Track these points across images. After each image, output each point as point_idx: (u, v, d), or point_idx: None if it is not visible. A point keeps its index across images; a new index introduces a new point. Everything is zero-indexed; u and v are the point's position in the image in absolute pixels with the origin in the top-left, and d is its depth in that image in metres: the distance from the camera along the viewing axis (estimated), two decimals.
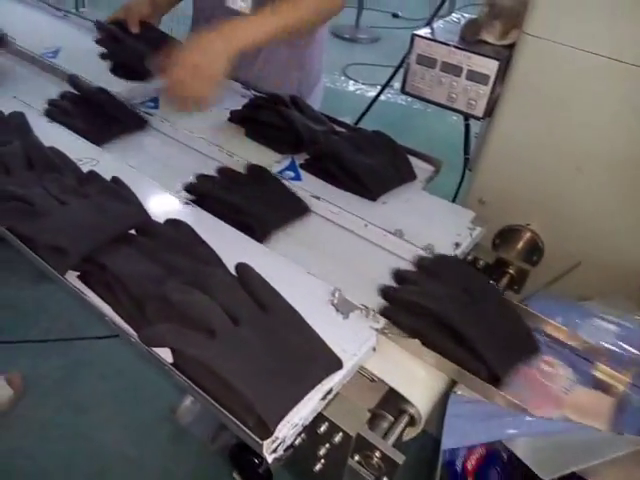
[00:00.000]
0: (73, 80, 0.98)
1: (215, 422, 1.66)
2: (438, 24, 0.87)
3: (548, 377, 0.56)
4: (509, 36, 0.78)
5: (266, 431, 0.45)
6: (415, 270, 0.67)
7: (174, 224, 0.63)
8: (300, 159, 0.85)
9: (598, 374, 0.57)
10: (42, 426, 1.39)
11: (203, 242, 0.62)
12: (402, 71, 0.90)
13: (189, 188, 0.76)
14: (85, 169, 0.72)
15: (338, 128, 0.90)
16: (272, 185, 0.78)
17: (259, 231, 0.69)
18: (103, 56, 1.03)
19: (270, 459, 0.45)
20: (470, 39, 0.80)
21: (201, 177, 0.78)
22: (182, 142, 0.90)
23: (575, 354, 0.59)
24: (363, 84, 3.43)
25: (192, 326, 0.49)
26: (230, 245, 0.63)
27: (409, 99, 3.38)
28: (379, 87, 3.69)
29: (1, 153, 0.71)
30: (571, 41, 0.69)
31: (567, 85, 0.73)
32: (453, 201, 1.04)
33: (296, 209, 0.76)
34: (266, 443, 0.44)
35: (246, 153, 0.85)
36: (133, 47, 1.00)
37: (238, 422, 0.45)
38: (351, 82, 3.45)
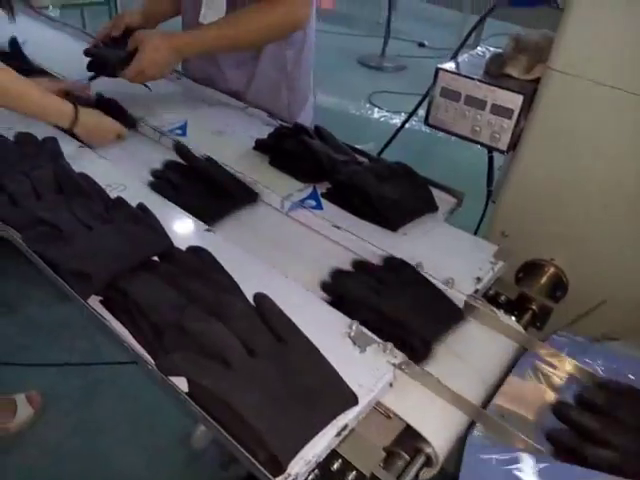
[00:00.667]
0: (180, 149, 0.93)
1: (228, 450, 1.64)
2: (463, 58, 0.88)
3: None
4: (534, 71, 0.78)
5: (278, 467, 0.44)
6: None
7: (196, 251, 0.64)
8: (322, 188, 0.86)
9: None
10: (59, 445, 1.40)
11: (223, 270, 0.62)
12: (426, 102, 0.91)
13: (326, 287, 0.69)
14: (113, 194, 0.74)
15: (360, 158, 0.91)
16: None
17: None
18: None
19: None
20: (495, 73, 0.80)
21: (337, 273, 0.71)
22: None
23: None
24: (388, 112, 3.46)
25: (208, 355, 0.49)
26: (249, 275, 0.64)
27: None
28: (404, 115, 3.74)
29: (32, 177, 0.73)
30: (597, 77, 0.68)
31: (592, 120, 0.72)
32: (475, 233, 1.03)
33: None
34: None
35: (270, 181, 0.86)
36: (109, 53, 1.04)
37: (250, 456, 0.44)
38: (376, 109, 3.48)
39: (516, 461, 0.48)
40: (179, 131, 0.98)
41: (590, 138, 0.73)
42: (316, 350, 0.52)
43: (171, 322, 0.53)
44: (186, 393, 0.49)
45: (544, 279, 0.85)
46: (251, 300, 0.57)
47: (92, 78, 1.05)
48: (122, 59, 0.97)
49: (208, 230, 0.73)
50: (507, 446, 0.53)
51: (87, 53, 1.04)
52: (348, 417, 0.50)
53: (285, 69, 1.13)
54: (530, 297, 0.73)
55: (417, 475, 0.53)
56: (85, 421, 1.47)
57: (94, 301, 0.59)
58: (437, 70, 0.83)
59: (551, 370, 0.63)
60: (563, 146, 0.76)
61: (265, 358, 0.49)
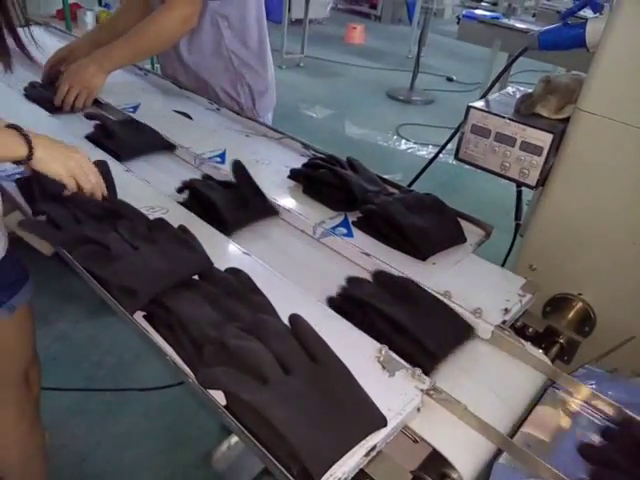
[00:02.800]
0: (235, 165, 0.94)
1: (249, 472, 1.64)
2: (494, 97, 0.91)
3: None
4: (563, 111, 0.81)
5: None
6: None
7: (234, 272, 0.67)
8: (353, 217, 0.89)
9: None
10: (82, 459, 1.43)
11: (259, 291, 0.65)
12: (451, 130, 0.94)
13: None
14: (154, 216, 0.79)
15: (391, 189, 0.94)
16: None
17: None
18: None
19: None
20: (525, 112, 0.83)
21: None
22: None
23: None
24: (415, 143, 3.52)
25: (246, 372, 0.52)
26: (283, 296, 0.67)
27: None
28: (430, 147, 3.77)
29: (71, 203, 0.77)
30: (625, 119, 0.71)
31: (620, 160, 0.74)
32: (503, 265, 1.04)
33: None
34: None
35: (302, 208, 0.90)
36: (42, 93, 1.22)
37: (283, 469, 0.46)
38: (403, 141, 3.54)
39: None
40: (218, 159, 1.03)
41: (618, 178, 0.75)
42: (348, 372, 0.54)
43: (211, 338, 0.56)
44: (224, 406, 0.52)
45: (572, 313, 0.85)
46: (285, 320, 0.60)
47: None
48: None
49: (246, 253, 0.77)
50: (533, 476, 0.54)
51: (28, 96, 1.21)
52: (377, 438, 0.51)
53: (232, 63, 1.30)
54: (558, 330, 0.74)
55: None
56: (109, 435, 1.50)
57: (138, 316, 0.63)
58: (468, 108, 0.86)
59: (577, 402, 0.63)
60: (591, 184, 0.78)
61: (300, 376, 0.52)
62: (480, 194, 2.87)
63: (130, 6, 1.38)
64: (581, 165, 0.78)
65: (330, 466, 0.47)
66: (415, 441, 0.57)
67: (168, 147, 1.07)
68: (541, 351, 0.70)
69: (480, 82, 4.09)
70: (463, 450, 0.57)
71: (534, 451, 0.56)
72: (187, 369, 0.56)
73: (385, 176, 0.98)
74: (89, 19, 2.82)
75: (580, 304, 0.86)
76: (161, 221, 0.75)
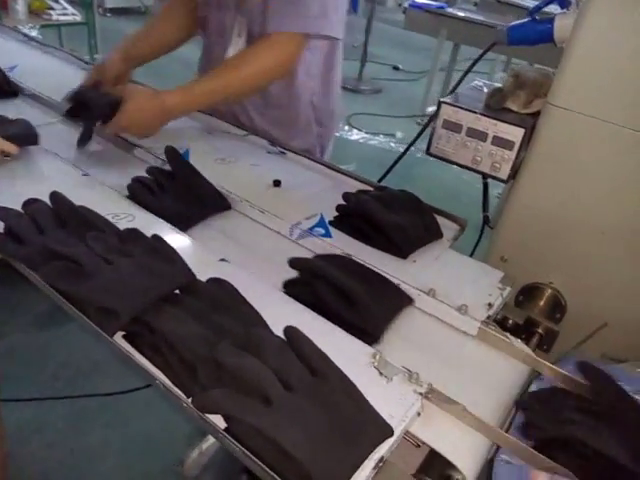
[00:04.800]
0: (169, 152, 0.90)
1: (222, 476, 1.61)
2: (462, 91, 0.92)
3: None
4: (532, 105, 0.83)
5: None
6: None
7: (217, 283, 0.64)
8: (328, 216, 0.88)
9: None
10: (45, 478, 1.35)
11: (246, 302, 0.63)
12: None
13: None
14: (122, 225, 0.74)
15: (366, 187, 0.93)
16: None
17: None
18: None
19: None
20: (495, 106, 0.84)
21: None
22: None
23: None
24: (366, 133, 3.53)
25: (245, 391, 0.50)
26: (266, 303, 0.64)
27: (411, 148, 3.49)
28: (381, 136, 3.80)
29: (31, 211, 0.72)
30: (595, 112, 0.73)
31: (589, 153, 0.76)
32: (471, 256, 1.06)
33: None
34: None
35: (276, 209, 0.88)
36: (94, 96, 0.97)
37: None
38: (355, 131, 3.55)
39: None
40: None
41: (588, 171, 0.78)
42: (350, 383, 0.53)
43: (203, 357, 0.53)
44: (224, 429, 0.49)
45: (543, 302, 0.88)
46: (275, 331, 0.58)
47: (82, 140, 0.97)
48: (107, 105, 0.92)
49: (222, 260, 0.73)
50: (532, 469, 0.55)
51: (71, 98, 0.97)
52: (384, 449, 0.51)
53: (315, 106, 1.13)
54: (536, 321, 0.76)
55: None
56: (73, 450, 1.42)
57: (117, 336, 0.59)
58: (440, 103, 0.86)
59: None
60: (561, 176, 0.80)
61: (302, 392, 0.50)
62: (432, 181, 2.93)
63: (171, 13, 1.15)
64: (551, 158, 0.80)
65: None
66: (417, 445, 0.57)
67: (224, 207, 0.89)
68: (525, 345, 0.72)
69: (426, 70, 4.16)
70: (463, 450, 0.57)
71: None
72: (180, 393, 0.53)
73: (341, 167, 0.97)
74: (20, 7, 2.62)
75: (551, 292, 0.89)
76: (133, 231, 0.70)
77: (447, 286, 0.75)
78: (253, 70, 0.95)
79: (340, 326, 0.64)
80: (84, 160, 0.97)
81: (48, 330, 1.76)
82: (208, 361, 0.52)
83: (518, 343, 0.69)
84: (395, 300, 0.72)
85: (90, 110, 0.95)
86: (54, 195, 0.74)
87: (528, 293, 0.90)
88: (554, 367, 0.66)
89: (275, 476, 0.46)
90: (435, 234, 0.85)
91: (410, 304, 0.73)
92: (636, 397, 0.62)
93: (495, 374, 0.66)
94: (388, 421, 0.53)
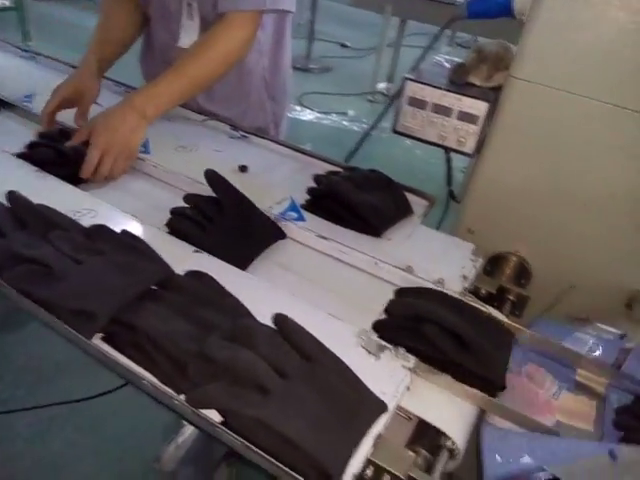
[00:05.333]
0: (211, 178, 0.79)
1: (201, 465, 1.60)
2: (424, 67, 0.92)
3: (537, 384, 0.60)
4: (494, 79, 0.84)
5: None
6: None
7: (196, 276, 0.63)
8: (299, 200, 0.87)
9: (579, 379, 0.61)
10: None
11: (229, 293, 0.61)
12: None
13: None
14: (85, 222, 0.70)
15: (335, 168, 0.93)
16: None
17: None
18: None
19: None
20: (458, 82, 0.85)
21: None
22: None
23: (559, 362, 0.64)
24: (319, 112, 3.51)
25: (240, 384, 0.49)
26: (246, 291, 0.63)
27: (364, 125, 3.50)
28: (334, 115, 3.77)
29: None
30: (558, 84, 0.75)
31: (552, 124, 0.79)
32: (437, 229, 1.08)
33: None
34: None
35: (247, 194, 0.86)
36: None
37: (301, 478, 0.45)
38: (307, 111, 3.52)
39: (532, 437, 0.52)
40: (142, 148, 0.94)
41: (551, 142, 0.80)
42: (343, 364, 0.53)
43: (193, 353, 0.52)
44: (221, 423, 0.48)
45: (510, 269, 0.91)
46: (262, 320, 0.57)
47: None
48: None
49: (197, 251, 0.71)
50: (519, 430, 0.57)
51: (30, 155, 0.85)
52: (380, 425, 0.51)
53: (267, 82, 1.12)
54: (507, 288, 0.79)
55: (444, 469, 0.56)
56: (42, 459, 1.37)
57: (96, 339, 0.57)
58: (404, 80, 0.86)
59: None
60: (525, 148, 0.83)
61: (298, 379, 0.50)
62: (388, 158, 2.95)
63: (120, 8, 1.04)
64: (515, 131, 0.82)
65: (347, 464, 0.46)
66: (409, 419, 0.58)
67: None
68: (500, 312, 0.74)
69: (374, 47, 4.15)
70: (451, 418, 0.59)
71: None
72: (170, 391, 0.51)
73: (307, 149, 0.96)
74: None
75: (517, 260, 0.92)
76: (101, 227, 0.67)
77: (423, 262, 0.76)
78: (217, 55, 0.92)
79: (455, 374, 0.59)
80: None
81: (3, 334, 1.68)
82: (198, 357, 0.51)
83: (493, 311, 0.71)
84: (503, 337, 0.66)
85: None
86: (10, 194, 0.69)
87: (496, 262, 0.93)
88: (528, 330, 0.69)
89: (281, 466, 0.45)
90: (406, 211, 0.86)
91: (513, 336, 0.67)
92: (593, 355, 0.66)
93: None
94: (384, 397, 0.54)
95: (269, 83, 1.13)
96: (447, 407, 0.60)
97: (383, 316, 0.67)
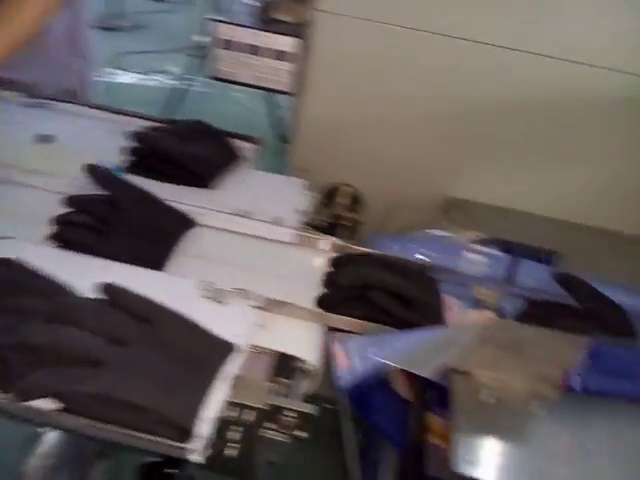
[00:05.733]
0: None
1: (75, 467, 1.50)
2: (233, 8, 0.89)
3: (451, 313, 0.65)
4: (299, 14, 0.85)
5: (186, 435, 0.45)
6: None
7: (4, 264, 0.55)
8: (119, 162, 0.80)
9: (478, 295, 0.69)
10: None
11: (41, 275, 0.55)
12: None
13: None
14: None
15: (155, 124, 0.87)
16: None
17: None
18: None
19: (198, 459, 0.45)
20: (267, 19, 0.84)
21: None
22: None
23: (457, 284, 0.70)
24: (138, 74, 3.25)
25: (70, 363, 0.45)
26: (66, 267, 0.58)
27: (192, 84, 3.34)
28: (155, 74, 3.52)
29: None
30: (360, 14, 0.77)
31: (364, 56, 0.82)
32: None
33: None
34: (191, 446, 0.44)
35: (56, 168, 0.77)
36: None
37: (156, 438, 0.44)
38: (125, 73, 3.23)
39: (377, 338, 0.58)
40: None
41: (364, 71, 0.84)
42: (183, 319, 0.52)
43: (9, 346, 0.46)
44: (57, 409, 0.44)
45: (345, 199, 0.96)
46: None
47: None
48: None
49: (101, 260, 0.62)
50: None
51: None
52: (232, 366, 0.52)
53: (74, 39, 1.01)
54: (342, 216, 0.84)
55: (303, 390, 0.59)
56: None
57: None
58: (215, 23, 0.83)
59: None
60: (342, 80, 0.86)
61: (137, 343, 0.47)
62: (217, 114, 2.85)
63: None
64: (329, 65, 0.84)
65: (196, 410, 0.46)
66: (264, 353, 0.59)
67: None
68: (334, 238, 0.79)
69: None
70: (304, 343, 0.62)
71: None
72: None
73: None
74: None
75: (350, 190, 0.97)
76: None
77: (259, 204, 0.76)
78: (30, 20, 0.83)
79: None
80: None
81: None
82: (17, 348, 0.46)
83: (330, 239, 0.75)
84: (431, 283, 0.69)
85: None
86: None
87: (331, 195, 0.97)
88: (361, 248, 0.74)
89: (132, 433, 0.44)
90: (235, 158, 0.85)
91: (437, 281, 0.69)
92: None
93: (316, 269, 0.72)
94: (235, 340, 0.54)
95: (71, 39, 1.01)
96: (299, 334, 0.62)
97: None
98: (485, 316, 0.67)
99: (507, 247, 0.72)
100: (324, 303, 0.65)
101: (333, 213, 0.84)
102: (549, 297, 0.69)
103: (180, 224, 0.71)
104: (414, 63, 0.84)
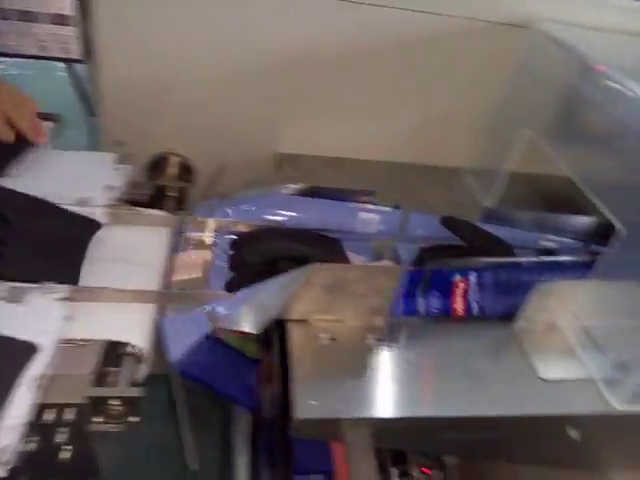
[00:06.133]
0: None
1: None
2: None
3: None
4: None
5: None
6: None
7: None
8: None
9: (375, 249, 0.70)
10: None
11: None
12: None
13: None
14: None
15: None
16: None
17: None
18: None
19: (3, 472, 0.41)
20: None
21: None
22: None
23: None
24: None
25: None
26: None
27: None
28: None
29: None
30: None
31: (154, 10, 0.76)
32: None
33: None
34: None
35: None
36: None
37: None
38: None
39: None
40: None
41: (159, 27, 0.78)
42: None
43: None
44: None
45: (173, 169, 0.92)
46: None
47: None
48: None
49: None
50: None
51: None
52: (37, 366, 0.47)
53: None
54: (165, 186, 0.79)
55: (133, 376, 0.56)
56: None
57: None
58: None
59: (208, 234, 0.72)
60: (135, 42, 0.79)
61: None
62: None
63: None
64: (115, 25, 0.77)
65: None
66: (84, 345, 0.55)
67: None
68: (160, 211, 0.75)
69: None
70: (129, 325, 0.58)
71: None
72: None
73: None
74: None
75: (176, 158, 0.93)
76: None
77: (59, 187, 0.69)
78: None
79: None
80: None
81: None
82: None
83: (151, 212, 0.71)
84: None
85: None
86: None
87: (156, 166, 0.92)
88: (188, 217, 0.71)
89: None
90: (27, 140, 0.75)
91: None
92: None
93: (139, 248, 0.68)
94: (38, 338, 0.49)
95: None
96: (121, 317, 0.59)
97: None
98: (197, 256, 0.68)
99: (327, 193, 0.74)
100: (234, 286, 0.63)
101: (156, 184, 0.79)
102: (439, 242, 0.74)
103: (84, 229, 0.65)
104: (218, 19, 0.80)
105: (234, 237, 0.71)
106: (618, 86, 0.67)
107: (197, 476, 0.73)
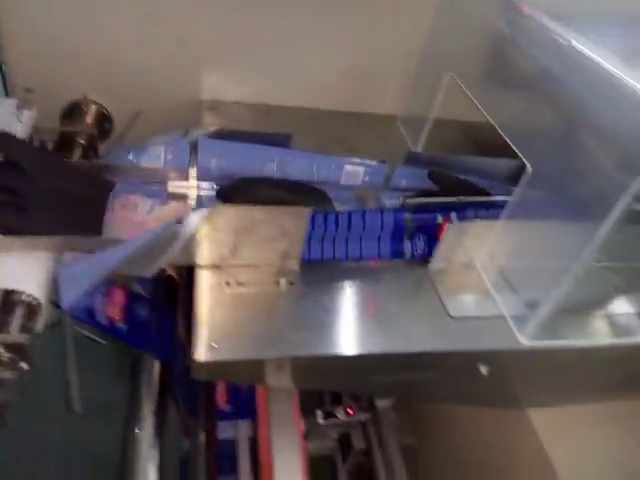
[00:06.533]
0: None
1: None
2: None
3: (131, 211, 0.62)
4: None
5: None
6: None
7: None
8: None
9: (171, 189, 0.67)
10: None
11: None
12: None
13: None
14: None
15: None
16: None
17: None
18: None
19: None
20: None
21: None
22: None
23: (148, 182, 0.67)
24: None
25: None
26: None
27: None
28: None
29: None
30: None
31: None
32: None
33: None
34: None
35: None
36: None
37: None
38: None
39: (97, 257, 0.54)
40: None
41: None
42: None
43: None
44: None
45: (88, 117, 0.87)
46: None
47: None
48: None
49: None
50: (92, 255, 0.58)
51: None
52: None
53: None
54: (74, 133, 0.75)
55: (29, 324, 0.54)
56: None
57: None
58: None
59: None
60: None
61: None
62: None
63: None
64: None
65: None
66: None
67: None
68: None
69: None
70: (24, 275, 0.56)
71: None
72: None
73: None
74: None
75: (91, 105, 0.88)
76: None
77: None
78: None
79: None
80: None
81: None
82: None
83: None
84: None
85: None
86: None
87: (70, 114, 0.87)
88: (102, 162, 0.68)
89: None
90: None
91: None
92: None
93: None
94: None
95: None
96: (17, 267, 0.56)
97: None
98: (176, 208, 0.67)
99: (245, 136, 0.71)
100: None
101: (62, 130, 0.75)
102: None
103: (100, 187, 0.65)
104: None
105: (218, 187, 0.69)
106: (544, 30, 0.65)
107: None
